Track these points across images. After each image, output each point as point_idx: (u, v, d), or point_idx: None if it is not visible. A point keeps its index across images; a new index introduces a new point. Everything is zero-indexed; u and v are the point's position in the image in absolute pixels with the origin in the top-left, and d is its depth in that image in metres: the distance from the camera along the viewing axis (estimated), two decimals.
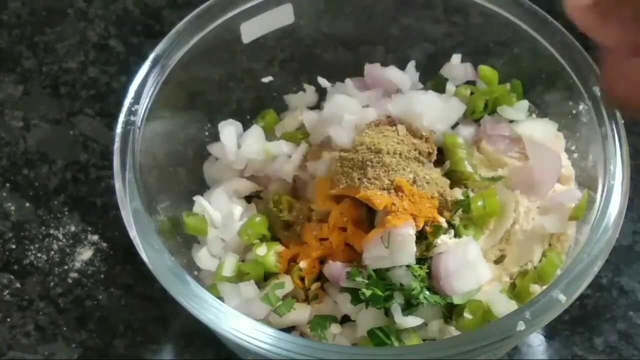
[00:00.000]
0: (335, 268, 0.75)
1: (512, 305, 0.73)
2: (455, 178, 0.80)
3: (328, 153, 0.80)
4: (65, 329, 0.86)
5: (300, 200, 0.81)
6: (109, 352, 0.85)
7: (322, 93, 0.91)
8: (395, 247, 0.73)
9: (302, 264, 0.76)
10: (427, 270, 0.74)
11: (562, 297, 0.65)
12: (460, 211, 0.77)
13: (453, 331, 0.74)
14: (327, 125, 0.82)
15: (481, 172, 0.81)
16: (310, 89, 0.92)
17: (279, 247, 0.78)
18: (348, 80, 0.88)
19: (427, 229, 0.75)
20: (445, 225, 0.76)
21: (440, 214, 0.77)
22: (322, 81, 0.90)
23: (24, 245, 0.91)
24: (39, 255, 0.91)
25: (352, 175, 0.76)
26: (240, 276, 0.77)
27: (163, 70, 0.78)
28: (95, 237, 0.92)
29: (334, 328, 0.75)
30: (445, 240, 0.75)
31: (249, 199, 0.85)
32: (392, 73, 0.88)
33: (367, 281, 0.73)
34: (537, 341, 0.85)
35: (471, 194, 0.78)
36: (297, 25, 0.87)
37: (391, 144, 0.78)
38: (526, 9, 0.81)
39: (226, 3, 0.82)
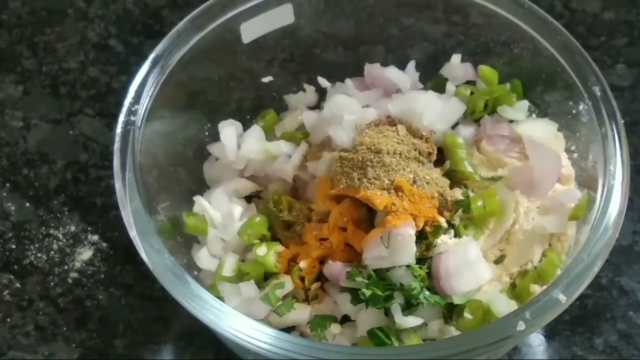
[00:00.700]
0: (335, 268, 0.75)
1: (512, 305, 0.73)
2: (455, 178, 0.80)
3: (328, 153, 0.80)
4: (65, 329, 0.86)
5: (300, 200, 0.81)
6: (109, 352, 0.85)
7: (322, 93, 0.91)
8: (395, 247, 0.73)
9: (302, 264, 0.76)
10: (427, 270, 0.74)
11: (562, 297, 0.66)
12: (460, 211, 0.77)
13: (453, 331, 0.74)
14: (327, 125, 0.82)
15: (481, 172, 0.81)
16: (310, 89, 0.92)
17: (279, 247, 0.78)
18: (348, 80, 0.88)
19: (427, 229, 0.75)
20: (445, 225, 0.76)
21: (440, 214, 0.77)
22: (322, 81, 0.90)
23: (24, 245, 0.91)
24: (39, 255, 0.91)
25: (352, 175, 0.76)
26: (240, 276, 0.77)
27: (163, 70, 0.79)
28: (95, 237, 0.92)
29: (334, 328, 0.75)
30: (445, 240, 0.75)
31: (249, 199, 0.85)
32: (392, 73, 0.88)
33: (367, 281, 0.73)
34: (537, 341, 0.85)
35: (471, 194, 0.78)
36: (297, 25, 0.87)
37: (391, 144, 0.78)
38: (526, 9, 0.82)
39: (226, 3, 0.82)
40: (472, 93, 0.87)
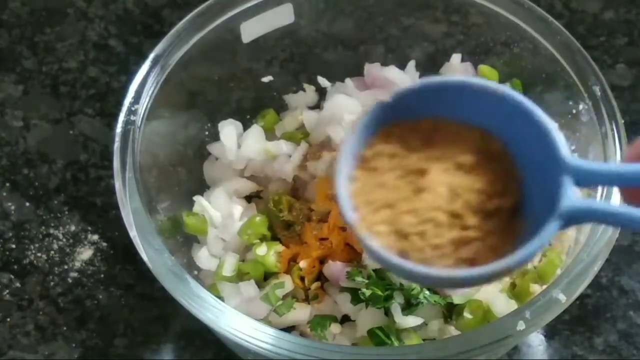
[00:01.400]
0: (335, 268, 0.75)
1: (512, 305, 0.73)
2: None
3: (328, 153, 0.80)
4: (65, 328, 0.86)
5: (300, 200, 0.81)
6: (109, 352, 0.85)
7: (322, 93, 0.91)
8: None
9: (302, 264, 0.76)
10: None
11: (562, 297, 0.65)
12: None
13: (453, 331, 0.74)
14: (327, 125, 0.82)
15: None
16: (310, 89, 0.92)
17: (279, 247, 0.78)
18: (348, 80, 0.88)
19: None
20: None
21: None
22: (322, 81, 0.90)
23: (24, 245, 0.91)
24: (39, 255, 0.91)
25: None
26: (240, 276, 0.77)
27: (163, 70, 0.78)
28: (95, 237, 0.92)
29: (334, 328, 0.75)
30: None
31: (249, 199, 0.85)
32: (392, 73, 0.88)
33: (367, 281, 0.73)
34: (537, 341, 0.85)
35: None
36: (297, 25, 0.87)
37: None
38: (526, 9, 0.81)
39: (226, 3, 0.82)
40: None
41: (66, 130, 0.99)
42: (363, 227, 0.46)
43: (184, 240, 0.80)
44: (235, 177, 0.85)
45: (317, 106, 0.91)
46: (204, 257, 0.79)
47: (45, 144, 0.99)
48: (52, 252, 0.91)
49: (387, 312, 0.73)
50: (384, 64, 0.89)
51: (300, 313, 0.76)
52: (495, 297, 0.73)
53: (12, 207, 0.94)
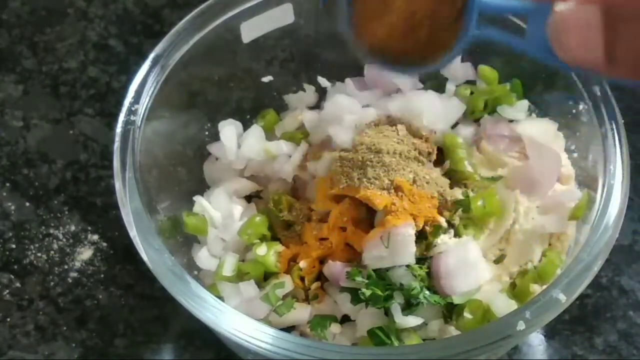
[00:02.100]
0: (335, 268, 0.75)
1: (512, 305, 0.73)
2: (455, 178, 0.80)
3: (328, 153, 0.80)
4: (65, 328, 0.86)
5: (300, 200, 0.81)
6: (109, 352, 0.85)
7: (322, 93, 0.91)
8: (395, 247, 0.73)
9: (302, 264, 0.76)
10: (427, 270, 0.74)
11: (562, 297, 0.65)
12: (460, 211, 0.77)
13: (453, 331, 0.74)
14: (327, 125, 0.82)
15: (481, 171, 0.81)
16: (310, 89, 0.92)
17: (279, 247, 0.78)
18: (348, 80, 0.88)
19: (427, 229, 0.75)
20: (445, 225, 0.76)
21: (440, 214, 0.77)
22: (322, 81, 0.90)
23: (24, 245, 0.91)
24: (39, 254, 0.91)
25: (352, 175, 0.76)
26: (240, 276, 0.77)
27: (163, 70, 0.79)
28: (95, 237, 0.92)
29: (334, 328, 0.75)
30: (445, 240, 0.75)
31: (249, 199, 0.85)
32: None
33: (367, 281, 0.73)
34: (537, 341, 0.85)
35: (471, 194, 0.78)
36: (297, 25, 0.87)
37: (391, 144, 0.78)
38: None
39: (226, 3, 0.82)
40: (472, 93, 0.87)
41: (66, 130, 0.99)
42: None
43: (184, 240, 0.80)
44: (235, 177, 0.85)
45: (317, 106, 0.91)
46: (204, 257, 0.79)
47: (45, 144, 0.99)
48: (52, 252, 0.91)
49: (387, 312, 0.73)
50: None
51: (300, 313, 0.76)
52: (495, 297, 0.74)
53: (12, 207, 0.94)
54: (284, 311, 0.75)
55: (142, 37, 1.06)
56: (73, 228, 0.92)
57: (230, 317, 0.66)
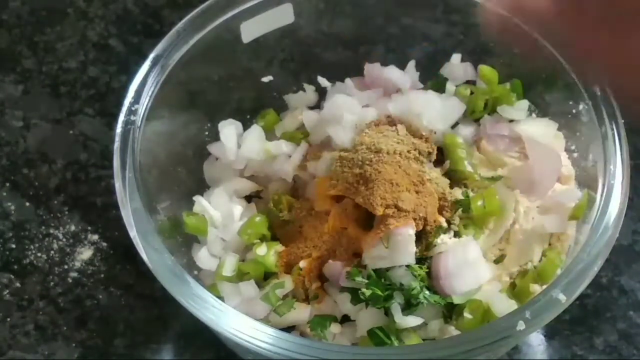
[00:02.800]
0: (335, 268, 0.75)
1: (512, 305, 0.73)
2: (455, 178, 0.80)
3: (328, 153, 0.80)
4: (65, 328, 0.86)
5: (300, 200, 0.81)
6: (109, 352, 0.85)
7: (322, 93, 0.91)
8: (395, 247, 0.73)
9: (302, 264, 0.76)
10: (427, 270, 0.74)
11: (562, 297, 0.65)
12: (460, 211, 0.77)
13: (453, 331, 0.74)
14: (327, 125, 0.82)
15: (481, 171, 0.81)
16: (310, 89, 0.92)
17: (279, 247, 0.78)
18: (348, 80, 0.88)
19: (427, 228, 0.75)
20: (445, 225, 0.76)
21: (440, 214, 0.77)
22: (322, 81, 0.90)
23: (23, 245, 0.91)
24: (39, 254, 0.91)
25: (351, 179, 0.76)
26: (240, 276, 0.77)
27: (163, 70, 0.79)
28: (95, 237, 0.92)
29: (334, 328, 0.75)
30: (445, 240, 0.75)
31: (249, 198, 0.85)
32: (392, 73, 0.88)
33: (367, 281, 0.73)
34: (537, 341, 0.85)
35: (471, 194, 0.78)
36: (297, 25, 0.87)
37: (391, 144, 0.78)
38: None
39: (226, 3, 0.82)
40: (472, 93, 0.87)
41: (66, 130, 0.99)
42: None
43: (184, 240, 0.80)
44: (235, 177, 0.85)
45: (317, 106, 0.91)
46: (204, 257, 0.79)
47: (45, 144, 0.99)
48: (52, 252, 0.91)
49: (387, 312, 0.73)
50: (384, 64, 0.89)
51: (300, 313, 0.76)
52: (495, 297, 0.74)
53: (12, 207, 0.94)
54: (284, 311, 0.75)
55: (142, 37, 1.06)
56: (73, 228, 0.92)
57: (230, 317, 0.66)
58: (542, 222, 0.78)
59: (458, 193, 0.78)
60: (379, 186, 0.74)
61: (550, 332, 0.85)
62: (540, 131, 0.83)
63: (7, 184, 0.95)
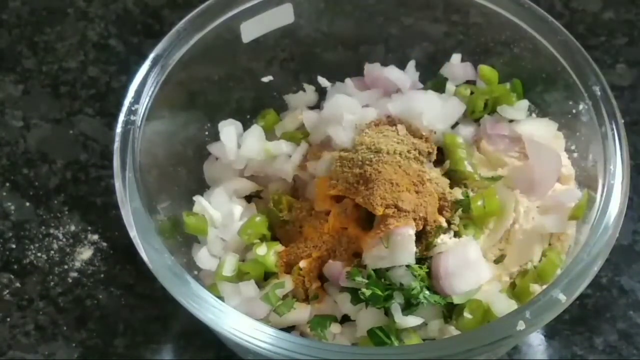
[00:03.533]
0: (335, 268, 0.75)
1: (512, 305, 0.73)
2: (455, 178, 0.80)
3: (328, 153, 0.80)
4: (65, 328, 0.86)
5: (300, 200, 0.81)
6: (109, 352, 0.85)
7: (322, 93, 0.91)
8: (395, 247, 0.73)
9: (302, 264, 0.76)
10: (427, 270, 0.74)
11: (562, 297, 0.66)
12: (460, 211, 0.77)
13: (453, 331, 0.74)
14: (327, 125, 0.82)
15: (481, 171, 0.81)
16: (310, 89, 0.92)
17: (279, 247, 0.78)
18: (348, 80, 0.88)
19: (428, 228, 0.75)
20: (445, 225, 0.76)
21: (440, 213, 0.76)
22: (322, 81, 0.90)
23: (24, 245, 0.91)
24: (39, 254, 0.91)
25: (352, 179, 0.76)
26: (240, 276, 0.77)
27: (163, 70, 0.79)
28: (95, 237, 0.92)
29: (334, 328, 0.75)
30: (445, 240, 0.75)
31: (249, 198, 0.85)
32: (392, 73, 0.88)
33: (367, 281, 0.73)
34: (537, 341, 0.85)
35: (471, 194, 0.78)
36: (297, 25, 0.87)
37: (391, 144, 0.78)
38: (526, 9, 0.82)
39: (226, 3, 0.82)
40: (472, 93, 0.87)
41: (66, 130, 0.99)
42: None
43: (184, 240, 0.80)
44: (235, 177, 0.85)
45: (317, 106, 0.91)
46: (204, 257, 0.79)
47: (45, 144, 0.99)
48: (52, 252, 0.91)
49: (387, 312, 0.73)
50: (384, 64, 0.89)
51: (300, 313, 0.76)
52: (495, 297, 0.73)
53: (12, 207, 0.94)
54: (284, 311, 0.75)
55: (142, 37, 1.06)
56: (73, 228, 0.92)
57: (230, 317, 0.66)
58: (542, 222, 0.78)
59: (458, 193, 0.78)
60: (379, 186, 0.74)
61: (550, 332, 0.85)
62: (540, 131, 0.83)
63: (7, 184, 0.95)
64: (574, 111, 0.80)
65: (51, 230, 0.92)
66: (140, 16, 1.08)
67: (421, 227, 0.75)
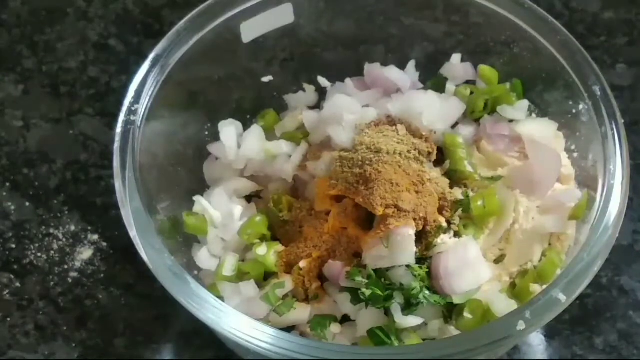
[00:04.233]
0: (335, 268, 0.75)
1: (512, 305, 0.73)
2: (455, 178, 0.80)
3: (328, 153, 0.80)
4: (65, 328, 0.86)
5: (300, 200, 0.81)
6: (109, 352, 0.85)
7: (322, 93, 0.91)
8: (395, 247, 0.73)
9: (302, 264, 0.76)
10: (427, 270, 0.74)
11: (562, 297, 0.66)
12: (460, 211, 0.77)
13: (453, 331, 0.74)
14: (327, 125, 0.82)
15: (481, 171, 0.81)
16: (310, 89, 0.92)
17: (279, 247, 0.78)
18: (348, 80, 0.88)
19: (428, 228, 0.75)
20: (445, 225, 0.76)
21: (440, 213, 0.76)
22: (322, 81, 0.90)
23: (24, 245, 0.91)
24: (39, 254, 0.91)
25: (352, 179, 0.76)
26: (240, 276, 0.77)
27: (163, 70, 0.79)
28: (95, 237, 0.92)
29: (334, 328, 0.75)
30: (445, 240, 0.75)
31: (249, 198, 0.85)
32: (392, 73, 0.88)
33: (367, 281, 0.73)
34: (537, 341, 0.85)
35: (471, 194, 0.78)
36: (297, 25, 0.87)
37: (391, 144, 0.78)
38: (526, 9, 0.82)
39: (226, 3, 0.82)
40: (472, 93, 0.87)
41: (66, 130, 0.99)
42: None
43: (184, 240, 0.80)
44: (235, 177, 0.85)
45: (317, 106, 0.91)
46: (204, 257, 0.79)
47: (45, 143, 0.99)
48: (52, 252, 0.91)
49: (387, 312, 0.73)
50: (384, 64, 0.89)
51: (300, 313, 0.76)
52: (495, 297, 0.73)
53: (12, 207, 0.94)
54: (284, 311, 0.75)
55: (142, 37, 1.06)
56: (73, 228, 0.92)
57: (230, 317, 0.66)
58: (542, 222, 0.78)
59: (458, 193, 0.78)
60: (379, 186, 0.74)
61: (550, 332, 0.85)
62: (540, 131, 0.83)
63: (7, 184, 0.95)
64: (574, 111, 0.80)
65: (51, 230, 0.92)
66: (140, 16, 1.08)
67: (421, 227, 0.75)
